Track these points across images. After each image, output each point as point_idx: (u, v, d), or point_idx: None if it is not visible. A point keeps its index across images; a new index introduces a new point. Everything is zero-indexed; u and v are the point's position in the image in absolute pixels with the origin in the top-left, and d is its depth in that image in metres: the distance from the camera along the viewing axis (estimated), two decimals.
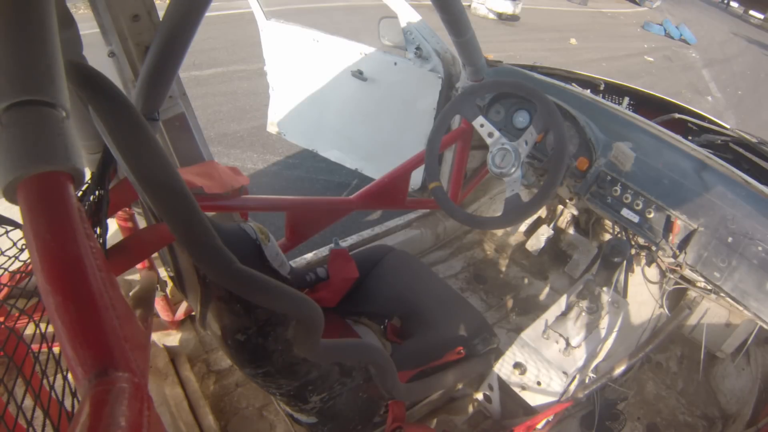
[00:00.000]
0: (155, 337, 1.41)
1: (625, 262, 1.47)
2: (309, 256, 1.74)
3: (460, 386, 1.40)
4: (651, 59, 9.14)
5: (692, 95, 7.33)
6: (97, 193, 0.73)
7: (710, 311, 1.68)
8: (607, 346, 1.35)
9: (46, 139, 0.40)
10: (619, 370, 1.43)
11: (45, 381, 0.49)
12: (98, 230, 0.68)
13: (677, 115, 1.73)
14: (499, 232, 2.31)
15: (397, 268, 1.31)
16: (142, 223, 1.09)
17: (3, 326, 0.56)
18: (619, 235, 1.61)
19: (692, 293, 1.66)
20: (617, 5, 14.90)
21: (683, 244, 1.26)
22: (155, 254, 0.93)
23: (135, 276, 1.30)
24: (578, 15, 12.31)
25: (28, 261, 0.57)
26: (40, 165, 0.40)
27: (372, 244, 1.68)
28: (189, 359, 1.42)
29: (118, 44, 1.02)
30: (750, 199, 1.19)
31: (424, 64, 1.80)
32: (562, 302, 1.36)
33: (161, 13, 0.93)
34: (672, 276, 1.62)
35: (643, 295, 1.77)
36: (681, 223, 1.26)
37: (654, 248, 1.33)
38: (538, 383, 1.21)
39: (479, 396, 1.35)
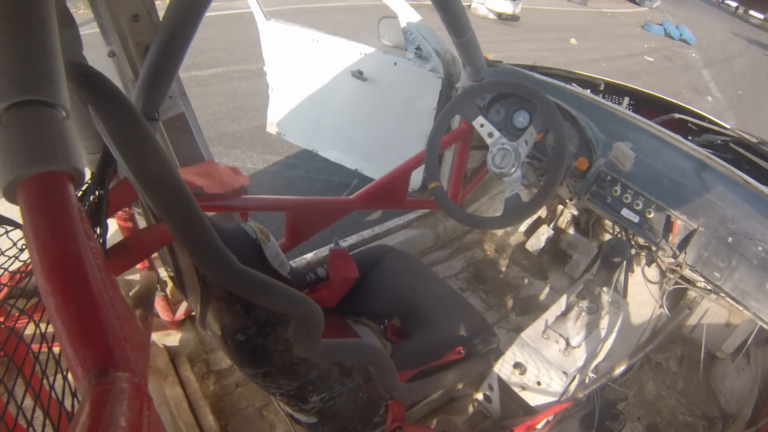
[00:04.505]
0: (155, 337, 1.41)
1: (625, 262, 1.47)
2: (309, 256, 1.74)
3: (460, 386, 1.40)
4: (651, 59, 9.14)
5: (692, 95, 7.33)
6: (97, 193, 0.73)
7: (710, 311, 1.67)
8: (607, 346, 1.35)
9: (46, 139, 0.40)
10: (619, 370, 1.42)
11: (45, 381, 0.49)
12: (98, 230, 0.68)
13: (677, 115, 1.73)
14: (499, 232, 2.31)
15: (397, 268, 1.31)
16: (142, 223, 1.09)
17: (3, 326, 0.56)
18: (619, 235, 1.61)
19: (692, 293, 1.66)
20: (617, 5, 14.90)
21: (683, 244, 1.26)
22: (155, 254, 0.93)
23: (135, 276, 1.30)
24: (578, 15, 12.31)
25: (28, 261, 0.56)
26: (40, 165, 0.40)
27: (372, 244, 1.68)
28: (189, 359, 1.42)
29: (118, 44, 1.02)
30: (750, 199, 1.19)
31: (424, 64, 1.80)
32: (562, 302, 1.36)
33: (161, 13, 0.93)
34: (672, 276, 1.61)
35: (643, 295, 1.77)
36: (681, 223, 1.26)
37: (654, 248, 1.33)
38: (538, 383, 1.21)
39: (479, 396, 1.35)
